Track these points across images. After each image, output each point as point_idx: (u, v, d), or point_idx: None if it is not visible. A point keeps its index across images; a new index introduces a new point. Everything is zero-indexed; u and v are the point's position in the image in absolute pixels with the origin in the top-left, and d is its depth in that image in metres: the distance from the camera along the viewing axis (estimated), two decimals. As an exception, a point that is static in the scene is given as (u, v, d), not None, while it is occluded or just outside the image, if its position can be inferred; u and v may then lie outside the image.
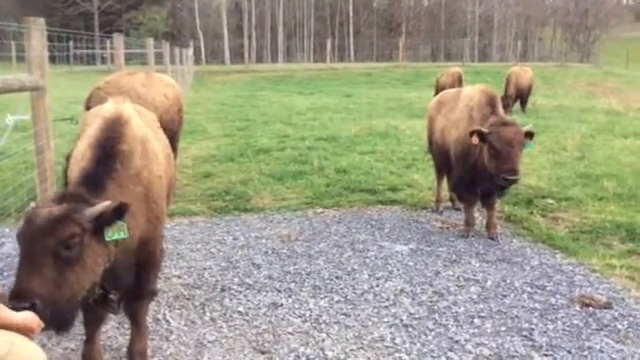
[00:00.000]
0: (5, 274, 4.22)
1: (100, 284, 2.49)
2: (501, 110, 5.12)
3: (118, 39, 8.23)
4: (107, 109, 2.82)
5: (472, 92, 5.34)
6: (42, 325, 2.12)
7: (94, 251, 2.33)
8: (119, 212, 2.33)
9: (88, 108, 5.30)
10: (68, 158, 4.65)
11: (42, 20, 4.99)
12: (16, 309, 2.10)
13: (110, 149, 2.57)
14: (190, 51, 29.68)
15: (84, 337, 2.99)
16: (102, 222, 2.32)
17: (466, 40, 50.59)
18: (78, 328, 3.33)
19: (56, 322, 2.25)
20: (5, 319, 2.05)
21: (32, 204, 2.52)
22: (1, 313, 2.04)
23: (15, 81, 4.58)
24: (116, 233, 2.34)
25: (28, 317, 2.09)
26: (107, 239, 2.34)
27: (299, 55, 54.92)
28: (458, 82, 14.45)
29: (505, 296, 4.06)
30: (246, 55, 43.25)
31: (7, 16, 31.27)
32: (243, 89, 23.84)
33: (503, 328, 3.60)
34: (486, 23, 58.75)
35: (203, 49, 47.35)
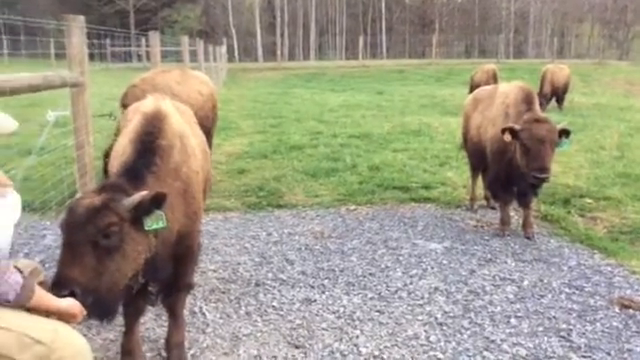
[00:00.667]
0: (47, 265, 4.32)
1: (142, 275, 2.54)
2: (537, 107, 5.04)
3: (154, 37, 8.36)
4: (147, 105, 2.87)
5: (508, 89, 5.26)
6: (85, 312, 2.18)
7: (134, 240, 2.37)
8: (157, 201, 2.37)
9: (124, 105, 5.40)
10: (107, 154, 4.76)
11: (82, 18, 5.10)
12: (57, 297, 2.16)
13: (150, 144, 2.61)
14: (223, 49, 29.98)
15: (123, 328, 3.05)
16: (141, 212, 2.36)
17: (501, 37, 49.79)
18: (117, 319, 3.42)
19: (98, 310, 2.30)
20: (49, 305, 2.12)
21: (78, 195, 2.58)
22: (45, 299, 2.11)
23: (56, 77, 4.69)
24: (155, 223, 2.38)
25: (71, 304, 2.15)
26: (146, 229, 2.38)
27: (331, 52, 54.91)
28: (493, 79, 14.23)
29: (542, 296, 4.00)
30: (278, 52, 43.39)
31: (45, 14, 32.01)
32: (275, 86, 23.95)
33: (540, 328, 3.54)
34: (522, 19, 57.72)
35: (236, 47, 47.79)
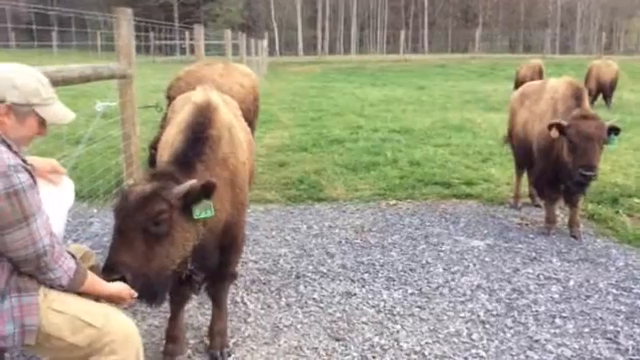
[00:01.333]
0: (94, 252, 4.44)
1: (190, 262, 2.59)
2: (587, 103, 4.90)
3: (199, 30, 8.47)
4: (197, 96, 2.91)
5: (557, 84, 5.13)
6: (134, 295, 2.23)
7: (183, 228, 2.41)
8: (206, 190, 2.40)
9: (169, 96, 5.48)
10: (153, 146, 4.85)
11: (130, 11, 5.20)
12: (108, 281, 2.22)
13: (200, 133, 2.65)
14: (265, 42, 30.15)
15: (168, 315, 3.12)
16: (190, 200, 2.39)
17: (547, 31, 48.56)
18: (162, 306, 3.49)
19: (146, 294, 2.36)
20: (100, 289, 2.19)
21: (130, 181, 2.64)
22: (97, 284, 2.17)
23: (105, 69, 4.80)
24: (203, 211, 2.42)
25: (121, 288, 2.21)
26: (195, 217, 2.42)
27: (372, 46, 54.59)
28: (539, 75, 13.89)
29: (588, 297, 3.90)
30: (319, 46, 43.46)
31: (92, 6, 32.76)
32: (316, 80, 23.97)
33: (586, 329, 3.46)
34: (569, 14, 56.21)
35: (277, 40, 47.99)
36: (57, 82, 3.67)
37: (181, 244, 2.42)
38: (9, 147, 1.96)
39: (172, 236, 2.37)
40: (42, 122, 2.11)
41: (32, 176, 1.96)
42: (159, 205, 2.31)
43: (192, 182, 2.39)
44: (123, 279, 2.24)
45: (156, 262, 2.33)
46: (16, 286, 1.99)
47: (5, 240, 1.90)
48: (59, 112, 2.15)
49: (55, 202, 2.35)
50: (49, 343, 2.06)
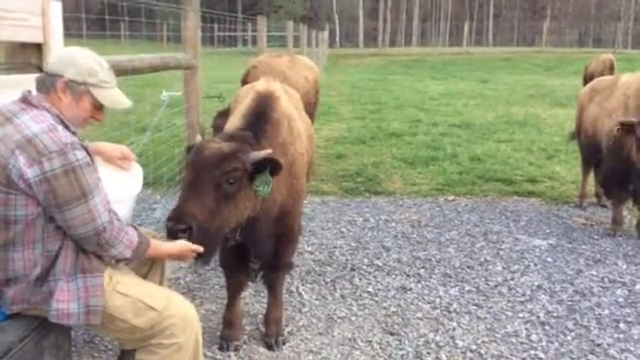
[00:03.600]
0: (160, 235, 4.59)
1: (239, 233, 2.66)
2: (662, 101, 4.66)
3: (262, 22, 8.57)
4: (260, 85, 2.97)
5: (631, 80, 4.91)
6: (197, 251, 2.30)
7: (246, 193, 2.49)
8: (275, 166, 2.48)
9: (245, 82, 5.58)
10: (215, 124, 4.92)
11: (197, 1, 5.31)
12: (173, 231, 2.28)
13: (263, 115, 2.72)
14: (325, 34, 30.19)
15: (225, 301, 3.19)
16: (259, 169, 2.47)
17: (619, 25, 46.32)
18: (220, 292, 3.58)
19: (204, 250, 2.37)
20: (164, 251, 2.27)
21: (198, 137, 2.70)
22: (159, 248, 2.24)
23: (172, 59, 4.94)
24: (263, 185, 2.49)
25: (183, 245, 2.27)
26: (254, 187, 2.49)
27: (434, 39, 53.71)
28: (609, 70, 13.26)
29: (657, 303, 3.72)
30: (380, 38, 43.02)
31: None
32: (375, 72, 23.80)
33: (653, 337, 3.31)
34: (644, 6, 53.41)
35: (338, 32, 47.93)
36: (127, 71, 3.80)
37: (241, 208, 2.50)
38: (67, 127, 2.02)
39: (236, 198, 2.44)
40: (97, 106, 2.15)
41: (89, 154, 2.01)
42: (235, 164, 2.40)
43: (269, 151, 2.49)
44: (189, 230, 2.29)
45: (218, 219, 2.39)
46: (82, 267, 2.05)
47: (65, 217, 1.95)
48: (115, 96, 2.18)
49: (123, 187, 2.42)
50: (112, 324, 2.14)
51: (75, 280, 2.04)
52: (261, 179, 2.48)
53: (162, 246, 2.25)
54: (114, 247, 2.06)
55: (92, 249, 2.06)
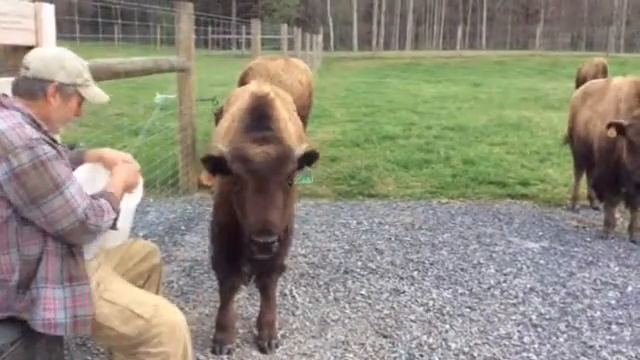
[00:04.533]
0: (149, 240, 4.57)
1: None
2: (653, 104, 4.69)
3: (256, 25, 8.59)
4: (254, 87, 2.99)
5: (622, 83, 4.94)
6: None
7: (294, 191, 2.55)
8: (314, 157, 2.54)
9: (243, 83, 5.59)
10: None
11: (191, 5, 5.33)
12: (268, 245, 2.27)
13: (263, 112, 2.72)
14: (319, 37, 30.24)
15: (218, 304, 3.19)
16: (302, 164, 2.51)
17: (611, 28, 46.63)
18: (214, 295, 3.58)
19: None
20: (120, 185, 2.24)
21: (217, 145, 2.60)
22: (117, 184, 2.22)
23: (165, 62, 4.95)
24: (305, 177, 2.52)
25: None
26: (298, 181, 2.55)
27: (427, 42, 53.89)
28: (602, 73, 13.34)
29: (648, 305, 3.75)
30: (374, 42, 43.20)
31: (153, 0, 33.55)
32: (369, 76, 23.86)
33: (645, 339, 3.33)
34: (635, 11, 53.76)
35: (332, 35, 48.02)
36: (120, 74, 3.80)
37: (291, 206, 2.54)
38: (38, 126, 1.99)
39: (291, 197, 2.50)
40: (79, 103, 2.18)
41: (56, 149, 1.97)
42: (292, 165, 2.44)
43: (307, 146, 2.53)
44: (278, 240, 2.30)
45: (284, 221, 2.43)
46: (68, 275, 2.01)
47: (44, 212, 1.90)
48: (98, 93, 2.21)
49: (123, 199, 2.36)
50: (100, 332, 2.12)
51: (62, 288, 2.00)
52: (302, 172, 2.54)
53: (117, 182, 2.22)
54: (102, 224, 2.02)
55: (86, 240, 2.02)
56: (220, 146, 2.52)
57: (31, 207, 1.91)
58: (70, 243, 2.01)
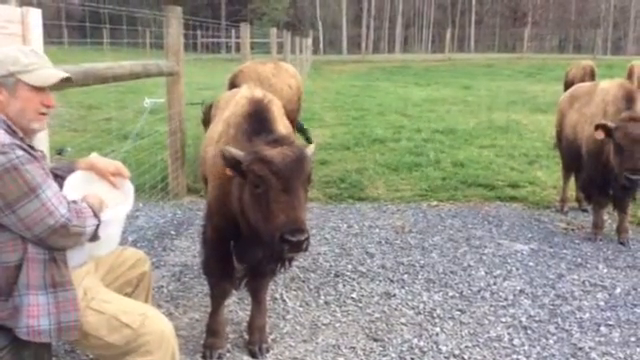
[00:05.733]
0: (138, 245, 4.55)
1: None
2: (639, 107, 4.74)
3: (245, 29, 8.58)
4: (247, 92, 3.01)
5: (609, 86, 4.98)
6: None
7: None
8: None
9: (233, 85, 5.58)
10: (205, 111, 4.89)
11: (180, 9, 5.32)
12: (302, 244, 2.29)
13: (263, 116, 2.77)
14: (309, 41, 30.27)
15: (209, 309, 3.17)
16: None
17: (598, 31, 47.08)
18: (204, 300, 3.56)
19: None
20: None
21: (229, 149, 2.53)
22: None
23: (154, 66, 4.93)
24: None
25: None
26: None
27: (417, 45, 54.12)
28: (590, 76, 13.44)
29: (635, 305, 3.77)
30: (363, 45, 43.29)
31: (142, 5, 33.48)
32: (359, 79, 23.91)
33: (632, 339, 3.35)
34: (622, 14, 54.35)
35: (321, 39, 48.09)
36: (108, 79, 3.79)
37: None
38: (14, 132, 1.97)
39: (306, 196, 2.53)
40: (38, 91, 2.06)
41: (31, 154, 1.95)
42: (310, 164, 2.51)
43: (312, 146, 2.62)
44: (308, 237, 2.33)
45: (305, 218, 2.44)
46: (51, 281, 1.99)
47: (20, 216, 1.88)
48: (46, 74, 2.09)
49: (112, 204, 2.30)
50: (87, 341, 2.11)
51: (45, 294, 1.98)
52: None
53: (95, 197, 2.19)
54: (86, 227, 2.01)
55: (67, 244, 2.00)
56: (231, 149, 2.51)
57: (7, 212, 1.89)
58: (51, 248, 1.99)
